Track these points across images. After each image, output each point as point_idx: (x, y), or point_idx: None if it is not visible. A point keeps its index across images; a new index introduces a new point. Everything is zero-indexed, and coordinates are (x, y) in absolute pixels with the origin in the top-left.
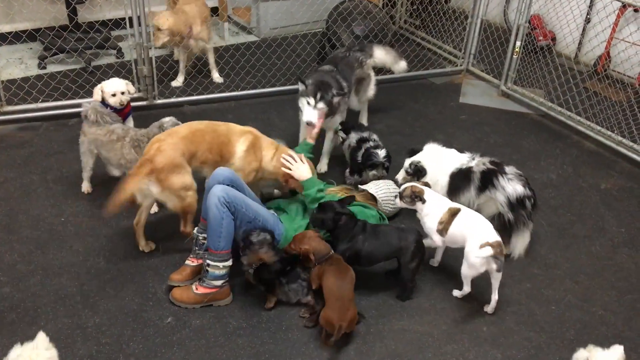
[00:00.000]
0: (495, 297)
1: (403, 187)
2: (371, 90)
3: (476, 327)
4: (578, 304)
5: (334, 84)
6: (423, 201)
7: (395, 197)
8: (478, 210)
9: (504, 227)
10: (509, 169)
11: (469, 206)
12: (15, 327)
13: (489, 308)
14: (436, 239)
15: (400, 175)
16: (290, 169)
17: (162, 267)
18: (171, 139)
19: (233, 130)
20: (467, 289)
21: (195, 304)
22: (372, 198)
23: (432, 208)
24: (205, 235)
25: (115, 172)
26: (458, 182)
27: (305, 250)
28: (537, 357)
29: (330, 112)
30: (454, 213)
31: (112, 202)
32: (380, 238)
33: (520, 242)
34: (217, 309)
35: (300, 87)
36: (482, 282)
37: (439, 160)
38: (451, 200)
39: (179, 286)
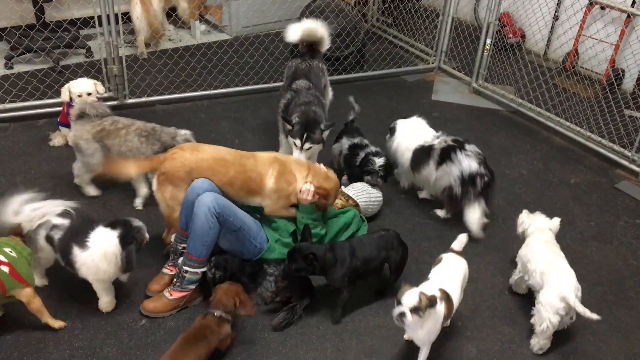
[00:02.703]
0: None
1: (410, 300)
2: (330, 93)
3: (451, 322)
4: None
5: (320, 114)
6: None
7: (401, 316)
8: (435, 182)
9: (450, 198)
10: (470, 147)
11: (429, 180)
12: None
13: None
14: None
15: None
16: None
17: (135, 270)
18: (189, 154)
19: (260, 161)
20: None
21: (171, 310)
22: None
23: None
24: (184, 246)
25: (93, 192)
26: (419, 158)
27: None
28: (510, 350)
29: (318, 142)
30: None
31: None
32: (367, 248)
33: (472, 217)
34: (191, 311)
35: (286, 126)
36: None
37: (412, 134)
38: (413, 172)
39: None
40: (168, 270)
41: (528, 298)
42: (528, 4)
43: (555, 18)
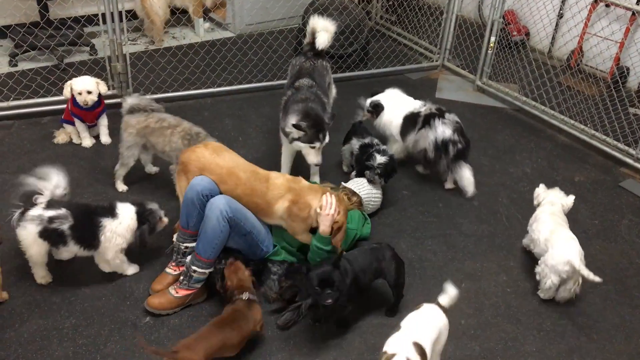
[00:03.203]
0: None
1: None
2: (334, 91)
3: (454, 320)
4: None
5: (318, 109)
6: None
7: None
8: (414, 143)
9: (425, 159)
10: (449, 116)
11: (409, 143)
12: None
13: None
14: None
15: (360, 114)
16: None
17: (139, 267)
18: (208, 153)
19: (272, 188)
20: None
21: (175, 307)
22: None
23: None
24: (187, 245)
25: (120, 188)
26: (408, 124)
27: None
28: (514, 348)
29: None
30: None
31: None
32: (361, 259)
33: (465, 177)
34: (194, 308)
35: (294, 132)
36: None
37: (396, 104)
38: (402, 139)
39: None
40: (172, 270)
41: (531, 296)
42: (532, 2)
43: (560, 16)
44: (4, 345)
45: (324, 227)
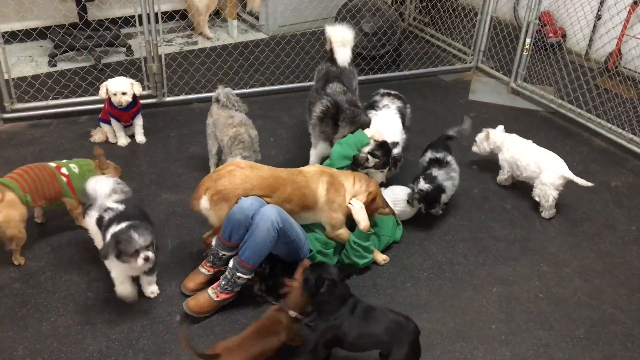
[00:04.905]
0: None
1: None
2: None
3: (485, 325)
4: (587, 302)
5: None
6: None
7: None
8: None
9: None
10: (392, 92)
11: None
12: (26, 322)
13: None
14: None
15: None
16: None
17: (171, 265)
18: (249, 172)
19: (310, 177)
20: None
21: (214, 310)
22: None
23: None
24: (225, 253)
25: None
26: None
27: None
28: (546, 355)
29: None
30: None
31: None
32: (370, 324)
33: None
34: (225, 306)
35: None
36: (478, 281)
37: (388, 130)
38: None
39: (190, 295)
40: (205, 270)
41: (565, 303)
42: (569, 3)
43: (598, 17)
44: (40, 337)
45: (364, 222)
